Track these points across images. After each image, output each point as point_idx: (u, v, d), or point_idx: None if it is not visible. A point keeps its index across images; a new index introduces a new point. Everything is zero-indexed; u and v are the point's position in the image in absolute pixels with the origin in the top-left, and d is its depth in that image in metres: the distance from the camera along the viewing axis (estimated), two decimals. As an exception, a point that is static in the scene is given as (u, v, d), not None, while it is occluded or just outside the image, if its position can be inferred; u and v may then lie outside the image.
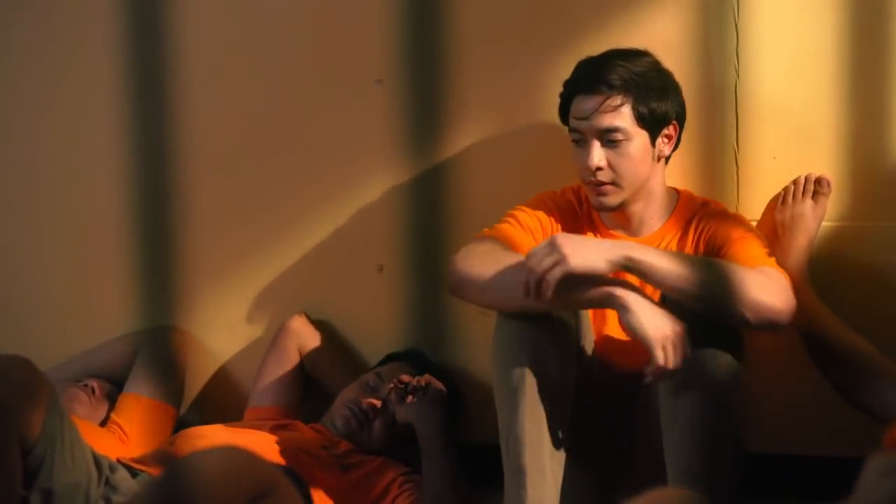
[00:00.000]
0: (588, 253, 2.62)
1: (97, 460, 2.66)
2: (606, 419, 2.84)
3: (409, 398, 3.05)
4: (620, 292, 2.60)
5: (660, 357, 2.56)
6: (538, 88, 3.10)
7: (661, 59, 2.93)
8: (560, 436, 2.68)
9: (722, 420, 2.62)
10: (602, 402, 2.83)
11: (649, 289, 2.69)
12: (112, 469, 2.68)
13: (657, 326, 2.57)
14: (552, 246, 2.62)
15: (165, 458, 2.78)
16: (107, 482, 2.64)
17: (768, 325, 2.65)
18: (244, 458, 2.04)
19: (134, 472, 2.73)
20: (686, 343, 2.58)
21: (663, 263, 2.64)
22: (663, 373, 2.57)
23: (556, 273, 2.59)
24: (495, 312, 2.76)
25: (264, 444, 2.90)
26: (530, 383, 2.65)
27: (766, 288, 2.64)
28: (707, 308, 2.63)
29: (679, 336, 2.58)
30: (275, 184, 3.34)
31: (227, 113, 3.34)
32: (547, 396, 2.66)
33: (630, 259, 2.63)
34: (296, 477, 2.48)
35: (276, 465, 2.45)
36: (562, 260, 2.59)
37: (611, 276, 2.64)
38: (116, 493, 2.63)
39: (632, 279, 2.68)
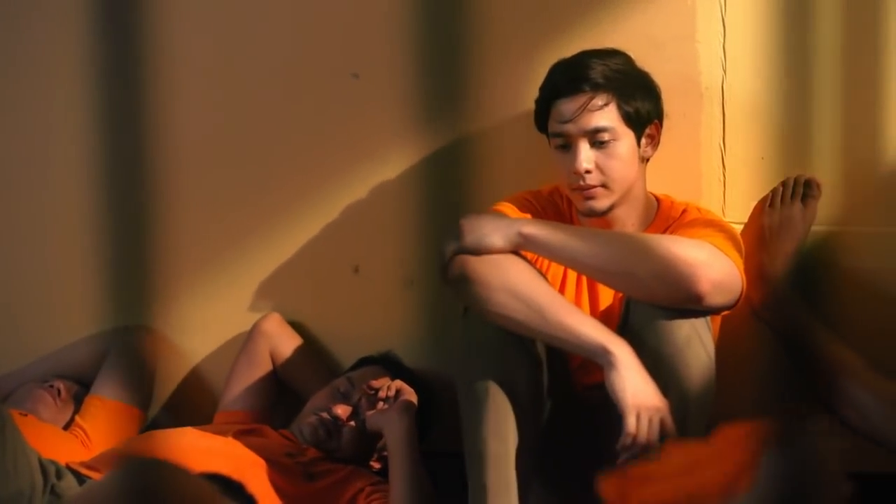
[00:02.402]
0: (483, 230, 2.60)
1: (43, 467, 2.56)
2: (576, 435, 2.72)
3: (380, 405, 2.95)
4: (615, 349, 2.50)
5: (631, 425, 2.44)
6: (518, 84, 2.99)
7: (645, 55, 2.85)
8: (527, 452, 2.57)
9: None
10: (572, 416, 2.72)
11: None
12: (59, 476, 2.58)
13: (637, 394, 2.46)
14: (458, 227, 2.61)
15: (114, 461, 2.69)
16: (52, 490, 2.55)
17: (692, 299, 2.53)
18: (167, 473, 1.95)
19: (82, 479, 2.64)
20: (667, 422, 2.46)
21: (563, 238, 2.59)
22: (633, 445, 2.45)
23: (452, 248, 2.59)
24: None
25: (224, 450, 2.82)
26: (495, 396, 2.55)
27: (686, 254, 2.54)
28: (624, 284, 2.58)
29: (658, 411, 2.46)
30: (250, 182, 3.25)
31: (200, 111, 3.24)
32: (513, 410, 2.55)
33: (523, 235, 2.59)
34: (240, 490, 2.38)
35: (220, 477, 2.35)
36: (459, 239, 2.59)
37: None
38: (61, 501, 2.54)
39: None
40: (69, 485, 2.59)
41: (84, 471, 2.70)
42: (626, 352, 2.49)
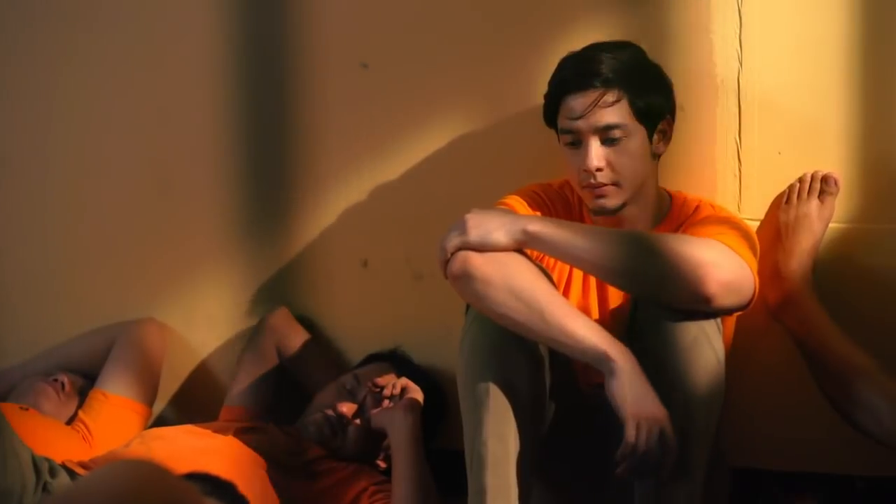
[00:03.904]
0: (488, 226, 2.52)
1: (36, 465, 2.52)
2: (581, 434, 2.65)
3: (385, 403, 2.90)
4: (616, 356, 2.41)
5: (631, 434, 2.36)
6: (529, 76, 2.92)
7: (659, 47, 2.79)
8: (528, 455, 2.50)
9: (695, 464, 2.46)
10: (577, 416, 2.65)
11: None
12: (53, 474, 2.54)
13: (637, 403, 2.38)
14: (461, 221, 2.53)
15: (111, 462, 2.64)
16: (44, 488, 2.50)
17: (700, 300, 2.44)
18: (149, 476, 1.89)
19: (76, 478, 2.59)
20: (668, 433, 2.37)
21: (568, 237, 2.51)
22: (632, 454, 2.37)
23: (455, 243, 2.50)
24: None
25: (222, 449, 2.78)
26: (496, 397, 2.48)
27: (694, 254, 2.45)
28: (630, 285, 2.52)
29: (658, 422, 2.37)
30: (256, 176, 3.21)
31: (206, 106, 3.21)
32: (514, 411, 2.48)
33: (527, 232, 2.52)
34: (231, 490, 2.33)
35: (210, 477, 2.30)
36: (463, 234, 2.51)
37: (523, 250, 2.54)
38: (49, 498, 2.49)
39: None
40: (62, 482, 2.55)
41: (79, 470, 2.65)
42: (628, 359, 2.42)
